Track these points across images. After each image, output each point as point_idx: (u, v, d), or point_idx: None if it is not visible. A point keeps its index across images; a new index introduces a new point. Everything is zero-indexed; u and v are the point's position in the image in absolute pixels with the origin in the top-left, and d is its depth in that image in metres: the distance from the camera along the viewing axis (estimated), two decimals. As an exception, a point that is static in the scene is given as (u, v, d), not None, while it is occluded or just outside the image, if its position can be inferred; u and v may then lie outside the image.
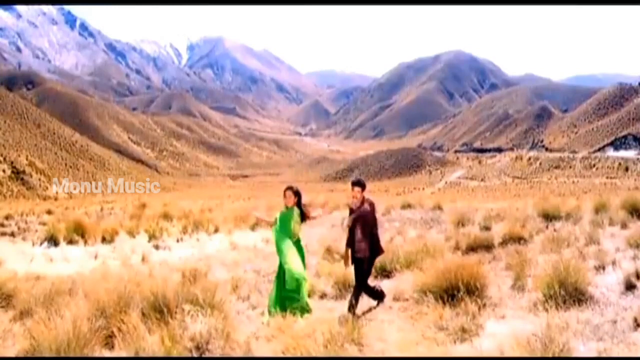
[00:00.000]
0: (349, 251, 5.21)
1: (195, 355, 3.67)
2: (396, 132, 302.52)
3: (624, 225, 8.71)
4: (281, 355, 3.58)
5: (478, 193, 65.35)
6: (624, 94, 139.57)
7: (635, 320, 3.98)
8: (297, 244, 5.50)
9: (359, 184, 5.37)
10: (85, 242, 13.02)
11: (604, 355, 3.50)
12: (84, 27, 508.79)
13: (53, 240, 12.92)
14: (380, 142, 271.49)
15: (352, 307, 4.98)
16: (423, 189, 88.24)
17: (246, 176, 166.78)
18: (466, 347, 3.80)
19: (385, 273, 6.68)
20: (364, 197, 5.35)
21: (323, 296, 5.93)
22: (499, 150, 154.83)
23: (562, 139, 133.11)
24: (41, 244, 12.96)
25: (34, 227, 17.92)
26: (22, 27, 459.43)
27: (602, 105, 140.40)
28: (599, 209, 10.90)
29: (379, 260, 6.78)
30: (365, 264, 5.16)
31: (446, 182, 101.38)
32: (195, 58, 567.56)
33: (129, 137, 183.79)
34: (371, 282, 5.50)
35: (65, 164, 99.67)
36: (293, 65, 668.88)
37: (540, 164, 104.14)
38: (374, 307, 5.26)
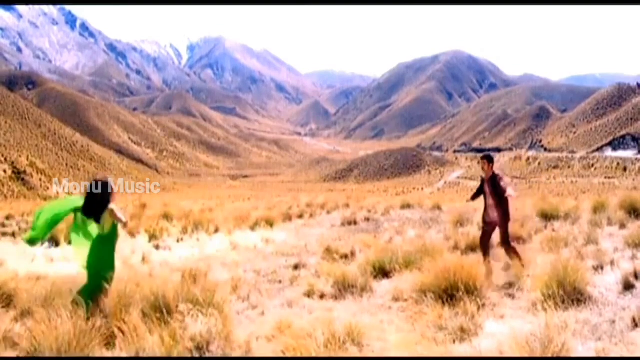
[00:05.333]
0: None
1: (195, 355, 3.68)
2: (395, 132, 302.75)
3: (622, 225, 8.73)
4: (281, 355, 3.60)
5: (478, 193, 65.21)
6: (622, 94, 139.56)
7: (634, 320, 3.99)
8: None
9: (487, 157, 6.56)
10: (86, 243, 13.02)
11: (602, 355, 3.51)
12: (84, 27, 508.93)
13: (54, 241, 12.93)
14: (379, 142, 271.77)
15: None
16: (422, 189, 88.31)
17: (246, 176, 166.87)
18: (465, 347, 3.81)
19: (385, 273, 6.69)
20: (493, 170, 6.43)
21: (323, 296, 5.93)
22: (498, 150, 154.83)
23: (560, 139, 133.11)
24: (42, 244, 12.97)
25: (34, 228, 17.90)
26: (23, 27, 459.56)
27: (601, 106, 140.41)
28: (598, 209, 10.92)
29: (378, 260, 6.82)
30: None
31: (445, 182, 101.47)
32: (195, 58, 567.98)
33: (129, 138, 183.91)
34: None
35: (66, 164, 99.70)
36: (293, 65, 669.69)
37: (539, 164, 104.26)
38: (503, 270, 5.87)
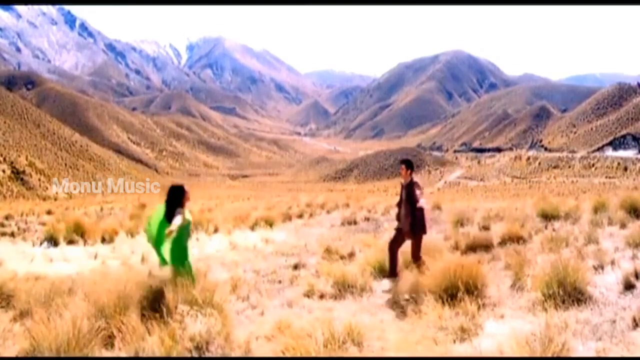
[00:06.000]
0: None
1: (194, 355, 3.67)
2: (395, 132, 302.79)
3: (622, 225, 8.71)
4: (281, 355, 3.59)
5: (477, 193, 65.36)
6: (622, 93, 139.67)
7: (634, 320, 3.99)
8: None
9: (405, 162, 6.17)
10: (85, 242, 13.01)
11: (602, 355, 3.50)
12: (83, 27, 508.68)
13: (53, 240, 12.91)
14: (379, 142, 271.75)
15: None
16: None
17: (246, 176, 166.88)
18: (466, 346, 3.81)
19: (385, 273, 6.68)
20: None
21: (322, 296, 5.93)
22: (498, 150, 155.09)
23: (561, 138, 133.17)
24: (41, 244, 12.96)
25: (34, 227, 17.92)
26: (22, 27, 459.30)
27: (601, 105, 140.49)
28: (598, 208, 10.90)
29: (378, 260, 6.80)
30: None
31: (445, 182, 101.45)
32: (194, 58, 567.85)
33: (128, 137, 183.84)
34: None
35: (65, 164, 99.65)
36: (292, 65, 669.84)
37: (539, 163, 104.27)
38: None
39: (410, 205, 5.81)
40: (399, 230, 6.16)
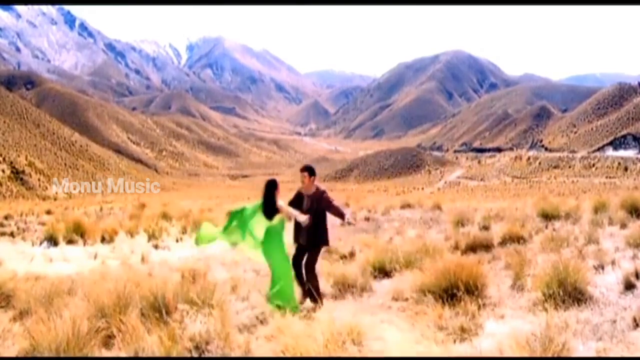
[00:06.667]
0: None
1: (194, 355, 3.67)
2: (395, 132, 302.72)
3: (623, 225, 8.72)
4: (281, 355, 3.58)
5: (477, 193, 65.39)
6: (623, 93, 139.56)
7: (635, 319, 3.99)
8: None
9: (308, 170, 5.57)
10: (85, 242, 13.03)
11: (603, 355, 3.50)
12: (83, 27, 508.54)
13: (52, 240, 12.92)
14: (379, 142, 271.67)
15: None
16: (422, 188, 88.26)
17: (246, 176, 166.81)
18: (466, 346, 3.80)
19: (385, 273, 6.68)
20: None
21: (322, 296, 5.92)
22: (498, 150, 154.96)
23: (561, 138, 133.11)
24: (41, 244, 12.97)
25: (34, 227, 17.93)
26: (22, 27, 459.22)
27: (602, 105, 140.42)
28: (599, 208, 10.90)
29: (377, 260, 6.80)
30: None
31: (445, 182, 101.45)
32: (194, 58, 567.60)
33: (128, 137, 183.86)
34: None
35: (65, 164, 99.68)
36: (292, 65, 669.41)
37: (539, 163, 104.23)
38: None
39: (318, 215, 5.36)
40: (301, 245, 5.55)
